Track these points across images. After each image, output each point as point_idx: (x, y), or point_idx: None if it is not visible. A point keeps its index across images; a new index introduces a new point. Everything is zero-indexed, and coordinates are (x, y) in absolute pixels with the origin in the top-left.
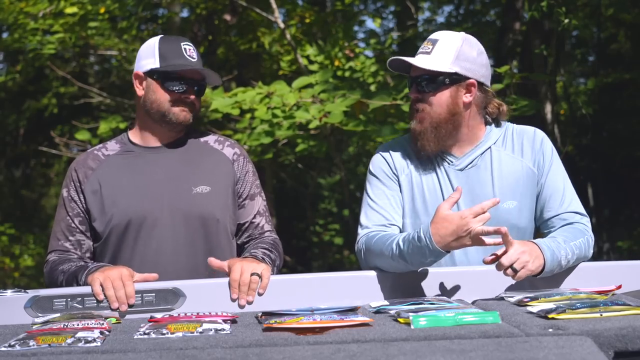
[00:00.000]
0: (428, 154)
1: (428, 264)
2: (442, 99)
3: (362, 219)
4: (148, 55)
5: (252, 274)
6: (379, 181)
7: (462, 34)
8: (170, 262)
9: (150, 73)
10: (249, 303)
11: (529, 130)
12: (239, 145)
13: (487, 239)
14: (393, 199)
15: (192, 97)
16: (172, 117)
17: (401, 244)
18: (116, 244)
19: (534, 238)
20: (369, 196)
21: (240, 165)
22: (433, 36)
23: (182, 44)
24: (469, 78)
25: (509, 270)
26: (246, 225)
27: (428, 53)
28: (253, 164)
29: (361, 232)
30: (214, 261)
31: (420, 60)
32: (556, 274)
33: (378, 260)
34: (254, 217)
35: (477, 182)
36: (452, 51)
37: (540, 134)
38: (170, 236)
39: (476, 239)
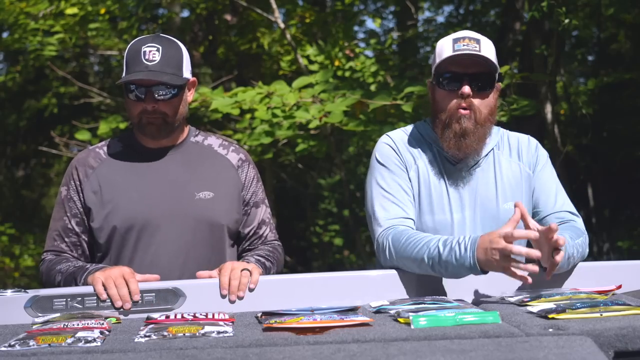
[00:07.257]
0: (462, 155)
1: (463, 275)
2: (492, 98)
3: (379, 212)
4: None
5: (242, 270)
6: (391, 172)
7: None
8: (170, 268)
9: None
10: (240, 298)
11: (524, 136)
12: (244, 150)
13: (517, 271)
14: (408, 190)
15: (152, 105)
16: (141, 130)
17: (441, 248)
18: (115, 248)
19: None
20: (382, 187)
21: (244, 171)
22: (470, 34)
23: (144, 47)
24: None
25: (558, 253)
26: (250, 234)
27: (478, 51)
28: (257, 169)
29: (383, 225)
30: (201, 274)
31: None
32: (557, 274)
33: (407, 262)
34: (259, 227)
35: (481, 183)
36: (494, 53)
37: (534, 140)
38: (171, 242)
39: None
